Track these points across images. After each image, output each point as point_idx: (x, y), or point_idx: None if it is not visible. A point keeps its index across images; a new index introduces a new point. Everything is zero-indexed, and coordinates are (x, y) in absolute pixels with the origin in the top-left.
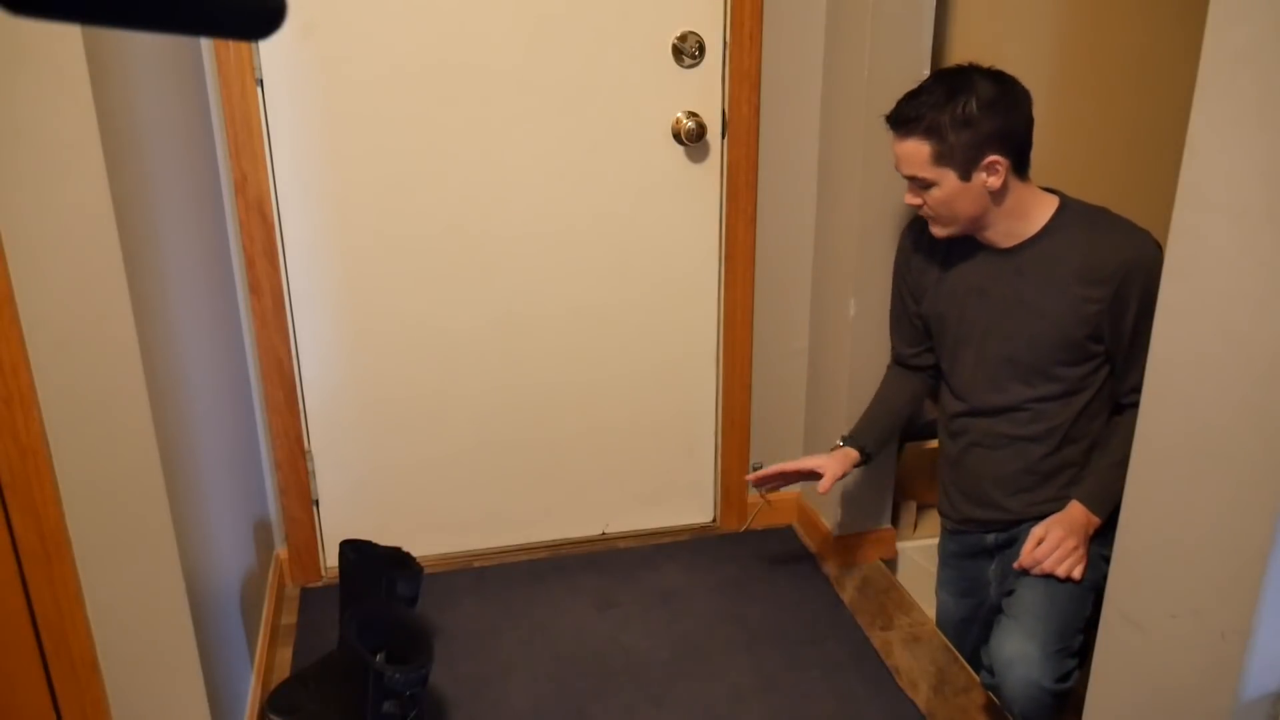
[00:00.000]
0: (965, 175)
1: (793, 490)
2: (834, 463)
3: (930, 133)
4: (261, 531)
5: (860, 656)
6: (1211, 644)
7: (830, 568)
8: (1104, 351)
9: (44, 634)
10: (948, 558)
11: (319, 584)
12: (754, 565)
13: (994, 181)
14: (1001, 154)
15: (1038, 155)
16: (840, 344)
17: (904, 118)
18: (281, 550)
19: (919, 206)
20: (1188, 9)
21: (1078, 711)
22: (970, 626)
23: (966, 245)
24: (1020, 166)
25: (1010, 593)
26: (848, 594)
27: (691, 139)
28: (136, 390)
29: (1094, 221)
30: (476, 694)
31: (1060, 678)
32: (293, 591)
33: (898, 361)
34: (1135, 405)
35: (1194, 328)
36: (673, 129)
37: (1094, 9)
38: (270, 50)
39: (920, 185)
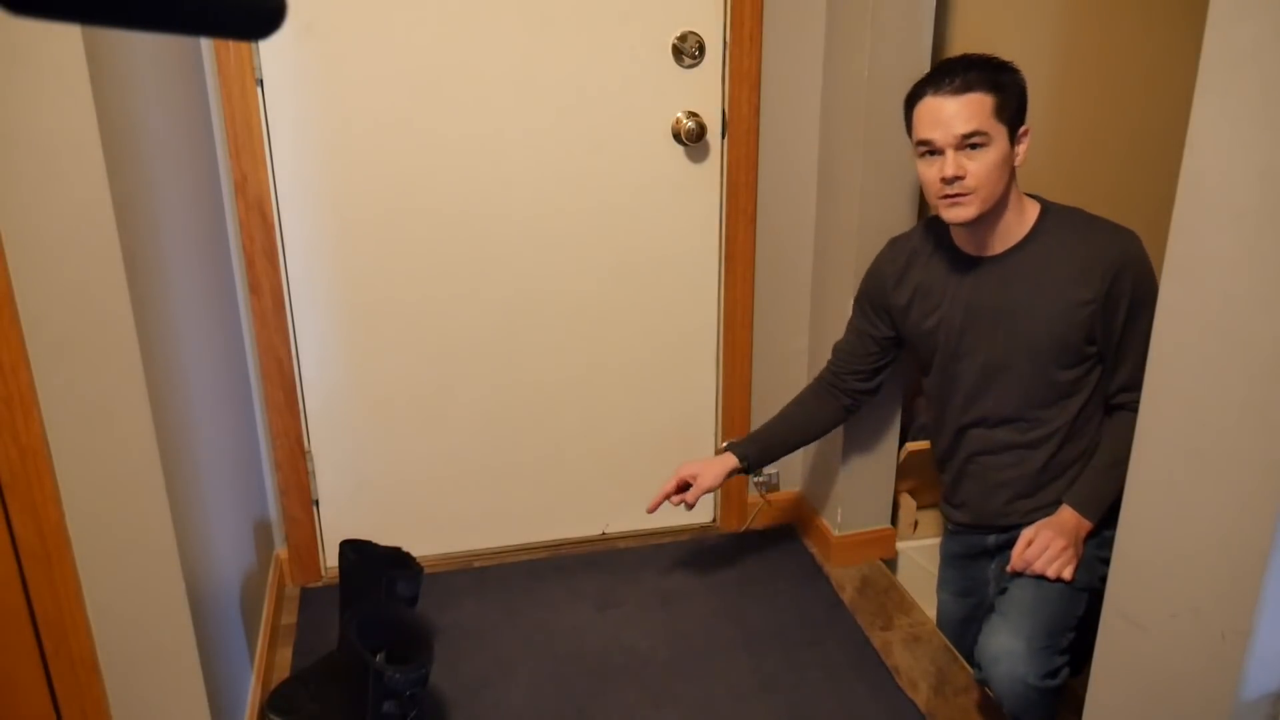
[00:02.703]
0: (1012, 138)
1: (793, 489)
2: (708, 473)
3: (993, 86)
4: (261, 531)
5: (860, 656)
6: (1211, 644)
7: (830, 567)
8: (1097, 352)
9: (44, 634)
10: (949, 558)
11: (319, 584)
12: (754, 565)
13: (1022, 154)
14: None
15: (1036, 154)
16: None
17: (964, 69)
18: (281, 550)
19: (958, 179)
20: (1189, 8)
21: (1078, 711)
22: (970, 626)
23: (949, 261)
24: None
25: (1003, 591)
26: (848, 594)
27: (691, 139)
28: (136, 390)
29: (1076, 224)
30: (476, 694)
31: (1047, 674)
32: (293, 591)
33: (832, 377)
34: (1124, 406)
35: (1194, 328)
36: (673, 129)
37: (1094, 8)
38: (270, 50)
39: (972, 146)
